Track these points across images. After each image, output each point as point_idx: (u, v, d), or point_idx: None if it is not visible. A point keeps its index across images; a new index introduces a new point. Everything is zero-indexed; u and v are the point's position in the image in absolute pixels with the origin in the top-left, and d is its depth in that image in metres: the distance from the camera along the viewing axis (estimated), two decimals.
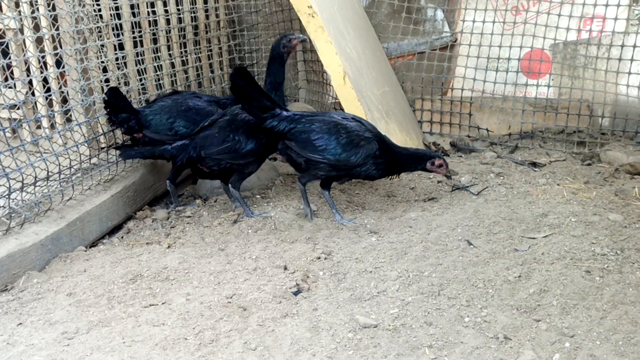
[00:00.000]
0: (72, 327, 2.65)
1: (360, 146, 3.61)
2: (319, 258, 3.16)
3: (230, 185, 3.83)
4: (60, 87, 3.77)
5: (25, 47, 3.83)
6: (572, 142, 4.97)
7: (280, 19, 5.84)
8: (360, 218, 3.73)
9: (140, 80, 4.35)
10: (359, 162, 3.62)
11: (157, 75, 4.53)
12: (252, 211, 3.78)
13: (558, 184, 4.09)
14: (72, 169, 3.72)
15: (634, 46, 4.78)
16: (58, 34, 3.69)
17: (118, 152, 3.96)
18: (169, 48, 4.70)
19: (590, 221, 3.39)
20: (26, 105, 4.03)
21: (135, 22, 4.27)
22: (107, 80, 4.00)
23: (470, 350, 2.40)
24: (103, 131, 4.05)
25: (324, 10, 4.31)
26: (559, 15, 5.00)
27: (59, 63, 3.82)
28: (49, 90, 3.69)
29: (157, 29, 4.51)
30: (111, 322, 2.69)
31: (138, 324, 2.66)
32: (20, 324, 2.73)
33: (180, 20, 4.83)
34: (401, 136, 4.65)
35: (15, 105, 3.89)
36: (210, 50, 5.24)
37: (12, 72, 3.63)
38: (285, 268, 3.09)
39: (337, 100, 4.87)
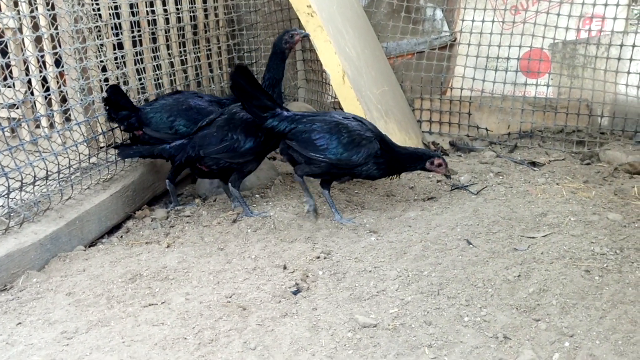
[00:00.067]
0: (71, 326, 2.65)
1: (362, 145, 3.61)
2: (319, 257, 3.16)
3: (230, 184, 3.83)
4: (59, 87, 3.77)
5: (24, 47, 3.82)
6: (572, 141, 4.98)
7: (279, 18, 5.84)
8: (359, 217, 3.73)
9: (140, 79, 4.34)
10: (361, 162, 3.62)
11: (156, 74, 4.53)
12: (251, 210, 3.78)
13: (557, 184, 4.10)
14: (71, 169, 3.72)
15: (633, 45, 4.79)
16: (57, 33, 3.68)
17: (116, 151, 3.96)
18: (168, 47, 4.69)
19: (590, 220, 3.39)
20: (25, 105, 4.03)
21: (134, 22, 4.26)
22: (106, 80, 4.00)
23: (470, 350, 2.40)
24: (102, 130, 4.05)
25: (323, 10, 4.31)
26: (558, 14, 5.01)
27: (58, 62, 3.82)
28: (48, 89, 3.68)
29: (156, 28, 4.50)
30: (110, 321, 2.69)
31: (137, 323, 2.66)
32: (20, 323, 2.73)
33: (179, 19, 4.82)
34: (400, 136, 4.65)
35: (14, 105, 3.88)
36: (209, 50, 5.23)
37: (11, 72, 3.63)
38: (285, 267, 3.09)
39: (336, 100, 4.87)
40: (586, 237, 3.18)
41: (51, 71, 3.79)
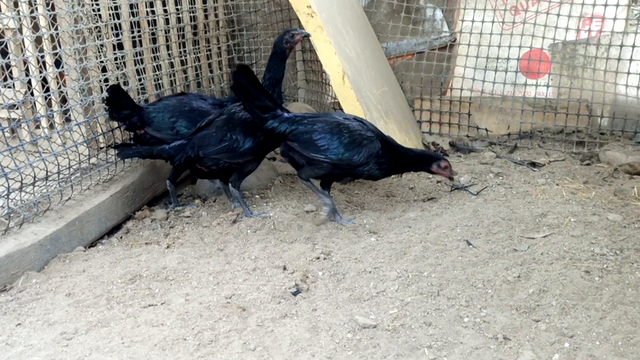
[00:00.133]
0: (71, 327, 2.65)
1: (363, 145, 3.61)
2: (318, 258, 3.16)
3: (230, 184, 3.83)
4: (59, 87, 3.76)
5: (24, 47, 3.82)
6: (571, 142, 4.97)
7: (279, 19, 5.84)
8: (359, 218, 3.73)
9: (139, 79, 4.34)
10: (362, 162, 3.62)
11: (156, 75, 4.53)
12: (251, 211, 3.78)
13: (557, 184, 4.09)
14: (71, 169, 3.72)
15: (633, 46, 4.79)
16: (57, 34, 3.68)
17: (116, 151, 3.96)
18: (168, 48, 4.70)
19: (590, 221, 3.38)
20: (25, 105, 4.02)
21: (134, 22, 4.27)
22: (106, 80, 4.00)
23: (470, 351, 2.40)
24: (102, 131, 4.05)
25: (323, 10, 4.31)
26: (558, 15, 5.00)
27: (58, 63, 3.82)
28: (48, 90, 3.68)
29: (156, 29, 4.50)
30: (110, 322, 2.69)
31: (137, 324, 2.65)
32: (19, 324, 2.73)
33: (179, 20, 4.82)
34: (400, 136, 4.65)
35: (14, 105, 3.88)
36: (209, 50, 5.23)
37: (11, 72, 3.63)
38: (285, 268, 3.09)
39: (336, 100, 4.87)
40: (586, 238, 3.18)
41: (51, 72, 3.79)
